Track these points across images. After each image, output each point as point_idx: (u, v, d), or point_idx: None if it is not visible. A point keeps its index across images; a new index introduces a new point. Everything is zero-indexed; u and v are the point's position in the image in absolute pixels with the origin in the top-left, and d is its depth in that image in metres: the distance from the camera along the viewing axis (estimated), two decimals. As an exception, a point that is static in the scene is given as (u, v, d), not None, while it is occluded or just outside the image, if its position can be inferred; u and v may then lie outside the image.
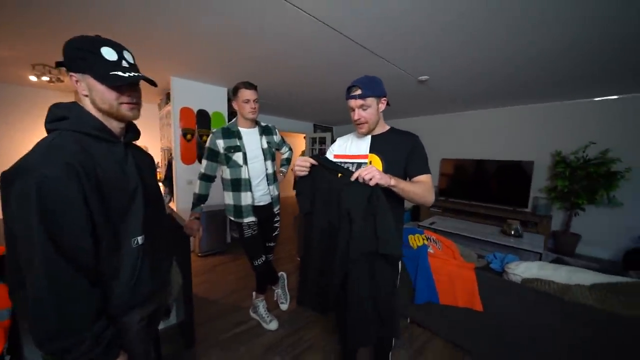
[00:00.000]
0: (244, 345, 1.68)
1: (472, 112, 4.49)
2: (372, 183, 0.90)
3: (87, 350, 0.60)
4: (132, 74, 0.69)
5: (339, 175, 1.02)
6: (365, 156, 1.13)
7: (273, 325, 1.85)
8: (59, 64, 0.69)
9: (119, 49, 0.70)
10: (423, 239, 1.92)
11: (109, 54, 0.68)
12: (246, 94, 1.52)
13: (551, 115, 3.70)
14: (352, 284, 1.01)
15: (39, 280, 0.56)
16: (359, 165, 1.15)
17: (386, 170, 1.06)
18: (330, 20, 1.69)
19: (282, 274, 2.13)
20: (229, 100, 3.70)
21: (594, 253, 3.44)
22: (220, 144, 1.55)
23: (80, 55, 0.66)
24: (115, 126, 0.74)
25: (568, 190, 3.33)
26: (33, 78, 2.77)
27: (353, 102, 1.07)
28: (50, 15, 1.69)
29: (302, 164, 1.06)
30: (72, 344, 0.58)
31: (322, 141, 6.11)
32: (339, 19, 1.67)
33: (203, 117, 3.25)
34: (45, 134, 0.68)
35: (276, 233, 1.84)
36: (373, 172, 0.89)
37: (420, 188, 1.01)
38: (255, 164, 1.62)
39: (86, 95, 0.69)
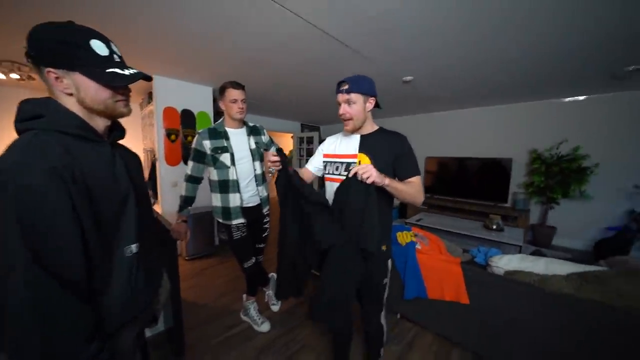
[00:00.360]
0: (236, 350, 1.66)
1: (454, 112, 4.65)
2: (369, 181, 0.92)
3: None
4: (132, 71, 0.63)
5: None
6: (355, 155, 1.15)
7: (265, 327, 1.83)
8: (30, 58, 0.58)
9: (106, 41, 0.63)
10: (411, 236, 1.96)
11: (99, 48, 0.61)
12: (234, 93, 1.49)
13: (528, 114, 3.90)
14: (327, 275, 1.07)
15: (18, 303, 0.48)
16: (348, 164, 1.16)
17: (376, 168, 1.07)
18: (314, 18, 1.69)
19: (273, 274, 2.12)
20: (215, 100, 3.63)
21: (568, 244, 3.66)
22: (207, 144, 1.52)
23: (65, 50, 0.57)
24: (100, 124, 0.66)
25: (544, 185, 3.52)
26: (1, 76, 2.59)
27: (340, 97, 1.09)
28: (20, 9, 1.59)
29: (272, 159, 1.10)
30: None
31: (310, 141, 6.10)
32: (323, 17, 1.68)
33: (188, 117, 3.16)
34: (14, 136, 0.58)
35: (266, 234, 1.82)
36: (371, 170, 0.92)
37: (412, 189, 1.04)
38: (243, 165, 1.60)
39: (70, 94, 0.60)
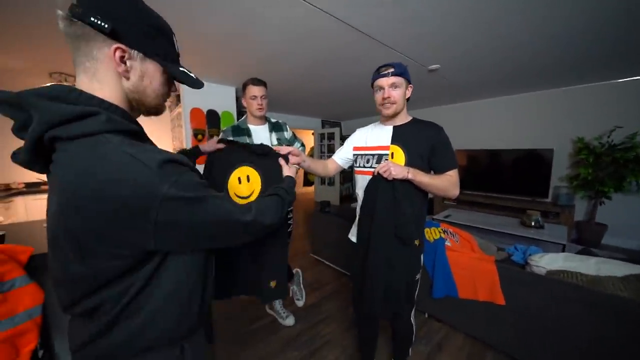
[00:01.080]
0: (262, 342, 1.69)
1: (486, 101, 4.34)
2: (389, 178, 0.93)
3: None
4: (196, 77, 0.61)
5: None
6: (387, 147, 1.10)
7: (290, 321, 1.86)
8: (92, 24, 0.45)
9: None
10: (440, 232, 1.86)
11: (177, 46, 0.58)
12: (253, 90, 1.51)
13: (571, 100, 3.52)
14: (370, 265, 1.08)
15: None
16: (380, 156, 1.13)
17: (408, 161, 1.06)
18: (332, 9, 1.65)
19: (298, 270, 2.14)
20: (238, 99, 3.73)
21: (621, 244, 3.27)
22: None
23: (153, 34, 0.52)
24: (136, 116, 0.60)
25: (592, 178, 3.16)
26: (51, 86, 2.87)
27: (384, 80, 1.04)
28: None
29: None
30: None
31: (331, 137, 6.07)
32: (344, 9, 1.63)
33: (213, 117, 3.28)
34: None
35: (290, 229, 1.83)
36: (389, 167, 0.93)
37: (443, 181, 1.01)
38: None
39: (128, 79, 0.51)
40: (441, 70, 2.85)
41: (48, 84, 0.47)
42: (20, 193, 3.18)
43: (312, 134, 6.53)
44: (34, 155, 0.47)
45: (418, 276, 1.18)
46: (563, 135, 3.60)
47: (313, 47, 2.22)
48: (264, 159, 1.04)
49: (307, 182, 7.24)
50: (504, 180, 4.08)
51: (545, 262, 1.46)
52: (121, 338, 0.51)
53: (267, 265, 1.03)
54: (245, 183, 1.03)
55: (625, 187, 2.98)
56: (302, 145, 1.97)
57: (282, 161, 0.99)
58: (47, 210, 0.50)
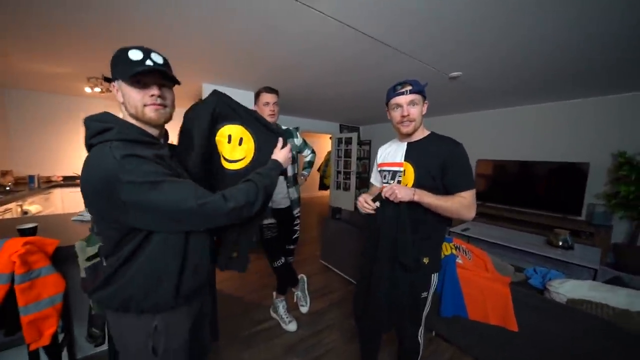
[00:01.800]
0: (265, 343, 1.72)
1: (513, 109, 4.10)
2: (395, 200, 0.93)
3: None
4: (147, 65, 0.66)
5: (376, 203, 1.06)
6: (401, 164, 1.10)
7: (292, 326, 1.86)
8: (107, 79, 0.73)
9: (146, 50, 0.69)
10: (451, 248, 1.78)
11: (134, 54, 0.67)
12: (266, 97, 1.57)
13: (612, 110, 3.22)
14: (375, 280, 1.11)
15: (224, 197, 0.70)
16: (395, 173, 1.14)
17: (417, 179, 1.04)
18: (347, 18, 1.65)
19: (303, 276, 2.14)
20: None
21: (668, 272, 2.91)
22: None
23: (114, 63, 0.69)
24: (153, 131, 0.74)
25: (634, 196, 2.85)
26: (88, 90, 3.16)
27: (402, 99, 1.03)
28: (101, 32, 1.90)
29: (367, 207, 1.07)
30: None
31: (349, 141, 6.04)
32: (358, 18, 1.63)
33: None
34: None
35: (296, 236, 1.85)
36: (393, 190, 0.94)
37: (454, 204, 0.96)
38: None
39: (122, 103, 0.70)
40: (463, 77, 2.73)
41: (101, 112, 0.70)
42: (58, 185, 3.51)
43: (330, 138, 6.54)
44: None
45: (425, 294, 1.13)
46: (601, 148, 3.29)
47: (329, 55, 2.24)
48: (264, 131, 0.98)
49: (323, 186, 7.25)
50: (533, 193, 3.81)
51: (567, 289, 1.34)
52: (107, 294, 0.70)
53: (233, 238, 0.97)
54: (236, 145, 0.93)
55: (674, 209, 2.66)
56: (313, 152, 1.99)
57: (280, 142, 0.96)
58: None
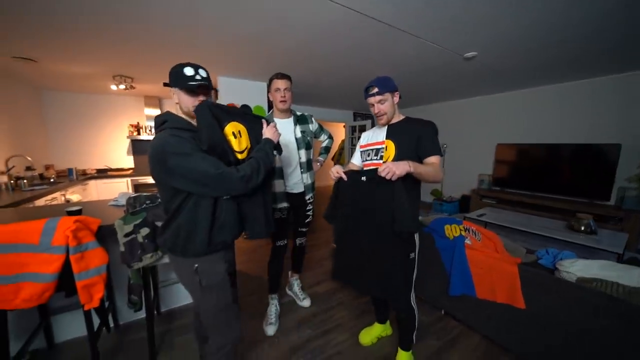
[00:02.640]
0: (281, 318, 1.86)
1: (535, 89, 3.87)
2: (394, 178, 1.01)
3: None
4: (197, 82, 0.96)
5: (363, 178, 1.22)
6: (382, 142, 1.31)
7: (306, 302, 1.99)
8: (165, 84, 0.99)
9: (195, 67, 0.98)
10: (460, 230, 1.80)
11: (188, 71, 0.96)
12: (277, 83, 1.59)
13: (648, 85, 2.96)
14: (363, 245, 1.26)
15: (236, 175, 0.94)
16: (377, 150, 1.32)
17: (398, 152, 1.22)
18: (355, 3, 1.65)
19: (297, 278, 2.11)
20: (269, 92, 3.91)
21: None
22: None
23: (173, 76, 0.98)
24: (195, 123, 1.02)
25: (669, 179, 2.66)
26: (113, 87, 3.39)
27: (372, 99, 1.26)
28: (125, 35, 2.05)
29: (335, 173, 1.28)
30: None
31: (362, 129, 5.99)
32: (364, 0, 1.63)
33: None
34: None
35: (308, 220, 1.91)
36: (392, 168, 1.01)
37: (432, 169, 1.13)
38: (288, 153, 1.70)
39: (177, 103, 1.01)
40: (479, 57, 2.63)
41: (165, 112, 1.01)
42: (93, 177, 3.85)
43: (344, 126, 6.52)
44: None
45: (413, 255, 1.27)
46: (634, 128, 3.06)
47: (338, 41, 2.25)
48: (249, 119, 1.16)
49: (338, 175, 7.32)
50: (556, 178, 3.65)
51: (577, 268, 1.33)
52: (162, 239, 1.02)
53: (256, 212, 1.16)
54: (239, 138, 1.12)
55: None
56: (330, 137, 1.98)
57: (264, 122, 1.17)
58: None
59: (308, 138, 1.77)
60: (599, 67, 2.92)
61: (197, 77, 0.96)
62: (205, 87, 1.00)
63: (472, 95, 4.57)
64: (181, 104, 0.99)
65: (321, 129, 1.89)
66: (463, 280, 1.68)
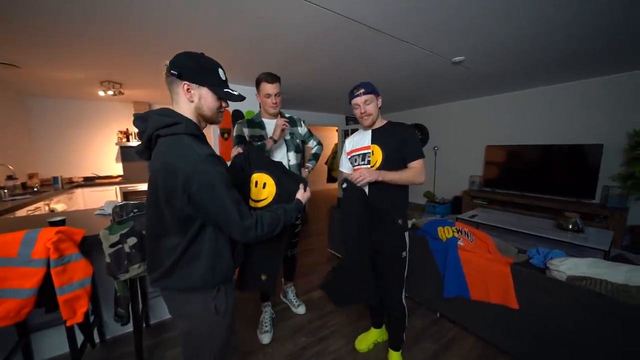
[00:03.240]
0: (275, 326, 1.82)
1: (521, 92, 3.98)
2: (362, 183, 1.15)
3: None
4: (238, 94, 0.88)
5: (344, 185, 1.31)
6: (368, 147, 1.34)
7: (301, 309, 1.96)
8: (171, 74, 0.79)
9: (224, 70, 0.87)
10: (453, 231, 1.82)
11: (222, 74, 0.85)
12: (267, 88, 1.52)
13: (625, 88, 3.09)
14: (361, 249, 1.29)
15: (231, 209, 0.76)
16: (364, 155, 1.35)
17: (385, 155, 1.27)
18: (342, 9, 1.67)
19: (291, 286, 2.09)
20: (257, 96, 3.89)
21: (688, 253, 2.82)
22: (246, 132, 1.62)
23: (203, 72, 0.81)
24: (203, 126, 0.90)
25: (650, 177, 2.76)
26: (101, 93, 3.32)
27: (359, 99, 1.27)
28: (112, 40, 2.01)
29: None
30: None
31: (355, 133, 6.03)
32: (352, 6, 1.65)
33: (238, 117, 3.50)
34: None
35: (298, 230, 1.86)
36: (363, 175, 1.16)
37: (408, 174, 1.23)
38: (275, 154, 1.65)
39: (192, 101, 0.82)
40: (466, 62, 2.70)
41: (160, 107, 0.83)
42: (79, 186, 3.74)
43: (336, 130, 6.55)
44: (146, 148, 0.81)
45: (404, 253, 1.32)
46: (615, 128, 3.18)
47: (327, 46, 2.27)
48: (284, 175, 1.16)
49: (331, 179, 7.33)
50: (544, 178, 3.74)
51: (567, 267, 1.35)
52: (176, 278, 0.81)
53: (260, 261, 1.14)
54: (260, 189, 1.13)
55: (693, 188, 2.56)
56: (319, 144, 1.94)
57: (301, 186, 1.12)
58: (148, 180, 0.83)
59: (297, 141, 1.74)
60: (582, 70, 3.02)
61: (227, 83, 0.87)
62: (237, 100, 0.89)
63: (462, 98, 4.67)
64: (204, 104, 0.83)
65: (310, 134, 1.86)
66: (457, 282, 1.68)
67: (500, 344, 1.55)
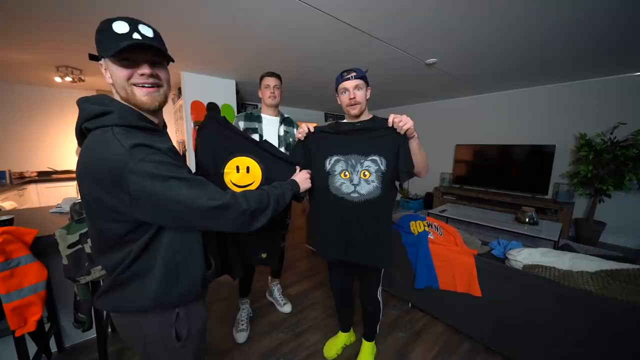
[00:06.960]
0: (252, 323, 1.80)
1: (487, 95, 4.27)
2: (404, 129, 1.01)
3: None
4: (134, 40, 0.58)
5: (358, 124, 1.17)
6: None
7: (287, 308, 1.94)
8: (92, 57, 0.62)
9: (133, 21, 0.60)
10: (424, 225, 1.91)
11: (119, 27, 0.58)
12: (267, 80, 1.63)
13: (575, 95, 3.44)
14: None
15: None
16: None
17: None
18: (323, 5, 1.67)
19: (277, 284, 2.08)
20: (238, 92, 3.79)
21: (621, 242, 3.23)
22: (242, 125, 1.66)
23: (98, 38, 0.59)
24: (153, 119, 0.67)
25: (592, 175, 3.11)
26: (58, 79, 3.00)
27: (349, 83, 1.14)
28: (70, 14, 1.82)
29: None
30: None
31: (333, 130, 6.07)
32: (330, 3, 1.65)
33: (212, 109, 3.36)
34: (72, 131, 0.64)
35: (287, 222, 1.86)
36: (407, 119, 1.01)
37: (423, 153, 1.12)
38: None
39: (112, 84, 0.62)
40: (439, 64, 2.82)
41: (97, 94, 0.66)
42: (33, 181, 3.38)
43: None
44: (80, 142, 0.64)
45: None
46: (566, 131, 3.53)
47: (305, 41, 2.25)
48: (270, 157, 1.09)
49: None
50: (506, 176, 4.06)
51: (523, 256, 1.49)
52: (121, 296, 0.64)
53: (261, 241, 1.16)
54: (244, 173, 1.05)
55: (626, 185, 2.93)
56: None
57: (297, 168, 1.07)
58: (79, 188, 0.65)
59: (290, 139, 1.79)
60: (544, 77, 3.31)
61: (136, 34, 0.58)
62: (151, 52, 0.62)
63: (434, 99, 4.90)
64: (115, 83, 0.61)
65: None
66: (427, 273, 1.78)
67: (466, 330, 1.67)
